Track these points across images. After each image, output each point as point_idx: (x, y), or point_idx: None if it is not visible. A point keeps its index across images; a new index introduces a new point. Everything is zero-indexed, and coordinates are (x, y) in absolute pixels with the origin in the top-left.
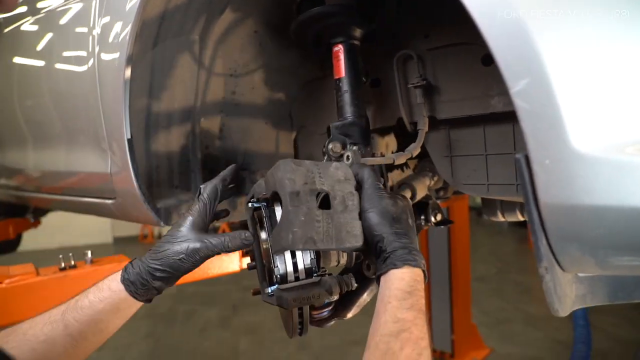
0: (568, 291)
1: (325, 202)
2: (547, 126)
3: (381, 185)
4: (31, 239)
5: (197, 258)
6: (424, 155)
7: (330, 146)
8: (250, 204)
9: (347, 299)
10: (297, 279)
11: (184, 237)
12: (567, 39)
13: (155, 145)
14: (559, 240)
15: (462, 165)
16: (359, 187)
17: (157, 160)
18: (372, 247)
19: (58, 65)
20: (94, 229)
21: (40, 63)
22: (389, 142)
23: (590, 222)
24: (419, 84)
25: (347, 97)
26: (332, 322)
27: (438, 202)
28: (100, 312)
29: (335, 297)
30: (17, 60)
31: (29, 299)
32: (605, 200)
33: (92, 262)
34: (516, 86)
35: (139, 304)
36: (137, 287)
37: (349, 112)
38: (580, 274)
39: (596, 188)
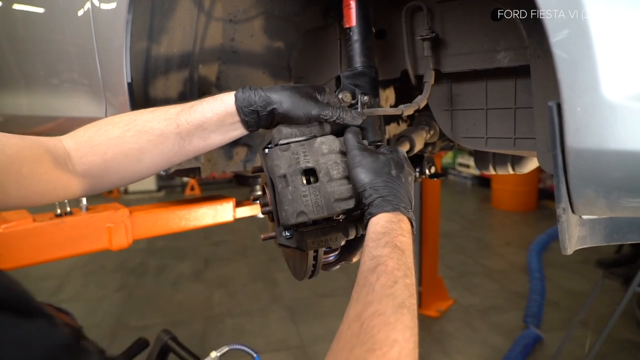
0: (574, 232)
1: (315, 176)
2: (582, 76)
3: (363, 144)
4: None
5: (312, 109)
6: (419, 110)
7: (340, 96)
8: (266, 150)
9: (353, 244)
10: (314, 222)
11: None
12: None
13: (154, 91)
14: (578, 183)
15: (462, 119)
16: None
17: (154, 106)
18: (359, 202)
19: (49, 10)
20: None
21: (29, 8)
22: (388, 95)
23: (611, 166)
24: (427, 37)
25: (357, 47)
26: (338, 267)
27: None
28: (208, 120)
29: (343, 242)
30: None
31: (26, 245)
32: (628, 145)
33: (87, 209)
34: (557, 36)
35: (239, 129)
36: (243, 103)
37: (358, 62)
38: (585, 217)
39: (621, 134)
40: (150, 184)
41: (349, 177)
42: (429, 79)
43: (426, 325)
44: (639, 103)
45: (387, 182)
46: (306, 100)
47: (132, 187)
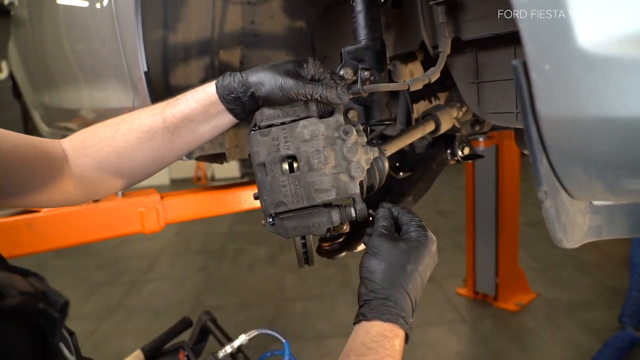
0: (579, 221)
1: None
2: (547, 23)
3: (389, 227)
4: None
5: (291, 89)
6: (453, 85)
7: (342, 72)
8: (252, 132)
9: (359, 232)
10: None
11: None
12: None
13: (175, 78)
14: (562, 160)
15: (489, 92)
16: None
17: (177, 94)
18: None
19: (79, 3)
20: None
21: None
22: (413, 70)
23: (597, 137)
24: (441, 1)
25: (360, 19)
26: (343, 254)
27: (481, 139)
28: (193, 110)
29: (346, 228)
30: (62, 1)
31: (65, 228)
32: (616, 109)
33: (122, 194)
34: None
35: (227, 117)
36: (224, 91)
37: (362, 35)
38: (596, 203)
39: (604, 96)
40: (234, 171)
41: (331, 166)
42: (444, 48)
43: (503, 319)
44: (627, 50)
45: (396, 281)
46: (285, 79)
47: (218, 175)
